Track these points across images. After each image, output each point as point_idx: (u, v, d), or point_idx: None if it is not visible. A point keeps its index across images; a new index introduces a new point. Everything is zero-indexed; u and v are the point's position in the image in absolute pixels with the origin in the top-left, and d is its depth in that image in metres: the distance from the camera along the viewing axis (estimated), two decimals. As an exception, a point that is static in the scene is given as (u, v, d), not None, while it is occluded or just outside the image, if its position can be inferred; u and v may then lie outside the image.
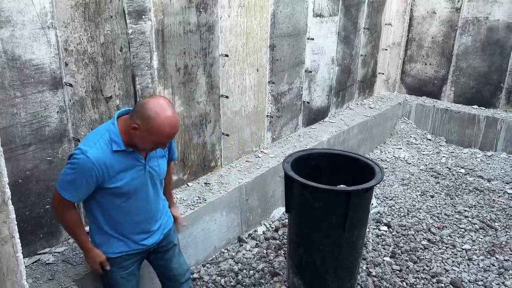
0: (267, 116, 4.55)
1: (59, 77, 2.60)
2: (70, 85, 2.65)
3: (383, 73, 6.91)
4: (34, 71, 2.46)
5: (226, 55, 3.73)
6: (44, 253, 2.71)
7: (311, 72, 5.06)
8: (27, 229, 2.62)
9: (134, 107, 2.09)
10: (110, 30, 2.80)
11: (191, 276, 3.23)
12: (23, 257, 2.60)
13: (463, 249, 3.89)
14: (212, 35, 3.56)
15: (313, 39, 4.89)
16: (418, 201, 4.76)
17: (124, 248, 2.28)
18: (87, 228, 2.32)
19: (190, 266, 2.85)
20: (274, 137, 4.76)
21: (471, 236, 4.10)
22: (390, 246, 3.91)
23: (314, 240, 3.01)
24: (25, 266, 2.56)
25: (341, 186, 3.01)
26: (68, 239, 2.86)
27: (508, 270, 3.60)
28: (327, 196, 2.89)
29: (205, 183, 3.77)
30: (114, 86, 2.92)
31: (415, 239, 4.03)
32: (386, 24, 6.55)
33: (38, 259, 2.65)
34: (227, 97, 3.85)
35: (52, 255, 2.70)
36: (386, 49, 6.76)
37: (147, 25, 3.02)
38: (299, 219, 3.08)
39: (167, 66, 3.25)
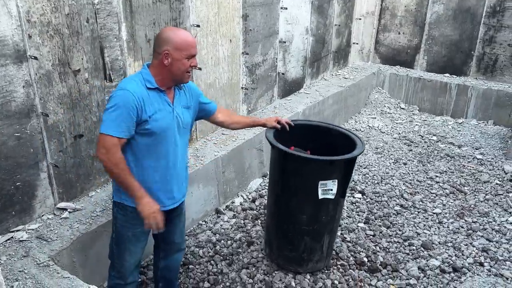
0: (242, 88, 4.52)
1: (22, 50, 2.50)
2: (35, 58, 2.56)
3: (357, 43, 6.92)
4: (-5, 44, 2.37)
5: (198, 26, 3.65)
6: (17, 230, 2.67)
7: (285, 42, 5.02)
8: (-2, 207, 2.57)
9: (154, 46, 2.27)
10: (75, 0, 2.69)
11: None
12: (-5, 235, 2.57)
13: (434, 213, 4.03)
14: (182, 4, 3.47)
15: (286, 8, 4.83)
16: (392, 168, 4.87)
17: None
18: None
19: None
20: (249, 109, 4.75)
21: (442, 200, 4.24)
22: (364, 212, 4.01)
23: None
24: (-2, 244, 2.53)
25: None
26: (42, 215, 2.82)
27: (476, 231, 3.76)
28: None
29: (180, 157, 3.75)
30: (82, 58, 2.83)
31: (388, 205, 4.15)
32: (360, -7, 6.52)
33: (12, 237, 2.61)
34: (200, 69, 3.79)
35: (26, 232, 2.67)
36: (360, 19, 6.75)
37: (114, -5, 2.92)
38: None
39: (137, 38, 3.17)
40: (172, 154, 2.35)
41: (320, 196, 2.85)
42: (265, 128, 3.07)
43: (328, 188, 2.85)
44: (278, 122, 3.00)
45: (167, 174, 2.36)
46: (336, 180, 2.85)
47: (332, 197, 2.87)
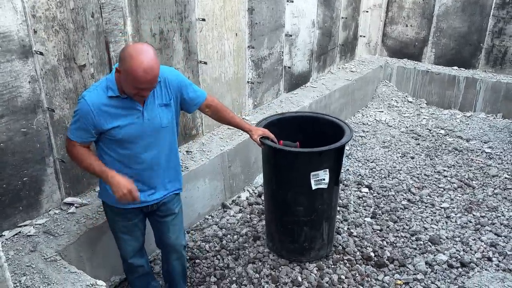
0: (248, 82, 4.50)
1: (28, 45, 2.50)
2: (41, 53, 2.55)
3: (364, 36, 6.84)
4: (1, 39, 2.36)
5: (203, 19, 3.63)
6: (24, 225, 2.68)
7: (291, 36, 4.98)
8: (5, 202, 2.58)
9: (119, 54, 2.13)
10: (80, -5, 2.68)
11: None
12: (3, 231, 2.59)
13: (441, 207, 4.00)
14: (187, -2, 3.45)
15: (292, 1, 4.78)
16: (399, 162, 4.84)
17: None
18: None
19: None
20: (255, 103, 4.73)
21: (450, 195, 4.21)
22: (371, 207, 3.99)
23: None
24: (6, 239, 2.55)
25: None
26: (49, 210, 2.84)
27: (484, 226, 3.72)
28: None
29: (186, 151, 3.75)
30: (88, 53, 2.83)
31: (395, 199, 4.12)
32: (367, -15, 6.44)
33: (19, 232, 2.63)
34: (205, 63, 3.78)
35: (33, 227, 2.68)
36: (367, 11, 6.67)
37: (119, -11, 2.91)
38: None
39: (142, 32, 3.16)
40: (148, 157, 2.30)
41: (314, 187, 2.90)
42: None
43: (320, 178, 2.89)
44: (265, 138, 2.88)
45: (143, 175, 2.33)
46: (328, 170, 2.86)
47: (325, 186, 2.90)
